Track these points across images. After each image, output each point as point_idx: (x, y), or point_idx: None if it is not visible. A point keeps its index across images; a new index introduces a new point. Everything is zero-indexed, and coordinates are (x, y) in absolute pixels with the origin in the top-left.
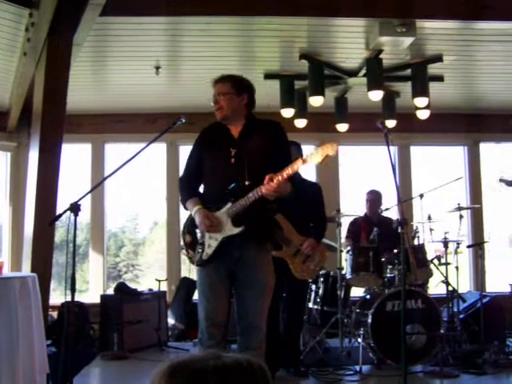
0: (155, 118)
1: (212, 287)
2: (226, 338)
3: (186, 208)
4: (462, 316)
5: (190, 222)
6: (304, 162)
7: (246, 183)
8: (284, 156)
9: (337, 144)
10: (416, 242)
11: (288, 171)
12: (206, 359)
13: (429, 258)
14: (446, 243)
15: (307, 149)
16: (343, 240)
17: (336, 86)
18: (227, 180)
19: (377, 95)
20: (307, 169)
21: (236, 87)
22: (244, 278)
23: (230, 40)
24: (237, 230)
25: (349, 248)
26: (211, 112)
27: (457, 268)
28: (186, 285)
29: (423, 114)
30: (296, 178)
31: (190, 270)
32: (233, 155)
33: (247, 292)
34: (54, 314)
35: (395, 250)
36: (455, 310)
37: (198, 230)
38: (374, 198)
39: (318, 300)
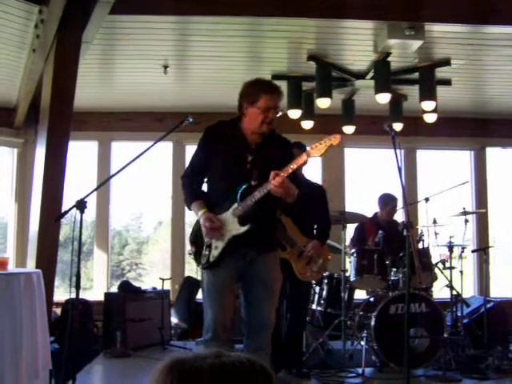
0: (162, 117)
1: (220, 288)
2: (231, 338)
3: (189, 208)
4: (465, 321)
5: (199, 227)
6: (308, 155)
7: (253, 183)
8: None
9: (339, 136)
10: (421, 246)
11: (293, 165)
12: (206, 358)
13: (433, 261)
14: (450, 247)
15: None
16: (347, 243)
17: (343, 88)
18: (237, 185)
19: (384, 98)
20: (313, 170)
21: None
22: (254, 280)
23: (238, 40)
24: (243, 229)
25: (353, 250)
26: (218, 112)
27: (461, 272)
28: (190, 284)
29: (430, 118)
30: (301, 180)
31: (196, 271)
32: (249, 161)
33: (257, 293)
34: (58, 311)
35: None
36: (459, 314)
37: None
38: (396, 205)
39: (322, 302)
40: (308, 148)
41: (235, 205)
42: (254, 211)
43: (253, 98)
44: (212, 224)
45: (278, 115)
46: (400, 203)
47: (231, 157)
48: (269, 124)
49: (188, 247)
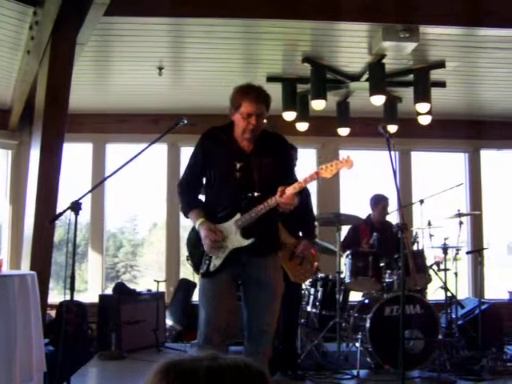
0: (157, 119)
1: (215, 291)
2: (226, 342)
3: (186, 216)
4: (460, 322)
5: (196, 235)
6: (318, 175)
7: (256, 194)
8: (291, 172)
9: (352, 160)
10: (415, 248)
11: (301, 184)
12: (202, 360)
13: (428, 263)
14: (445, 249)
15: (308, 152)
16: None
17: (338, 90)
18: (233, 192)
19: (379, 100)
20: (307, 172)
21: (268, 109)
22: (254, 282)
23: (233, 42)
24: (247, 242)
25: (348, 252)
26: (213, 114)
27: (456, 274)
28: (185, 286)
29: (425, 120)
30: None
31: (191, 273)
32: (238, 169)
33: (257, 296)
34: (52, 313)
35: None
36: (453, 316)
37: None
38: (387, 204)
39: (317, 304)
40: (320, 168)
41: (237, 215)
42: (256, 224)
43: (237, 103)
44: (216, 237)
45: (260, 121)
46: (394, 204)
47: (223, 164)
48: (252, 131)
49: (183, 250)
